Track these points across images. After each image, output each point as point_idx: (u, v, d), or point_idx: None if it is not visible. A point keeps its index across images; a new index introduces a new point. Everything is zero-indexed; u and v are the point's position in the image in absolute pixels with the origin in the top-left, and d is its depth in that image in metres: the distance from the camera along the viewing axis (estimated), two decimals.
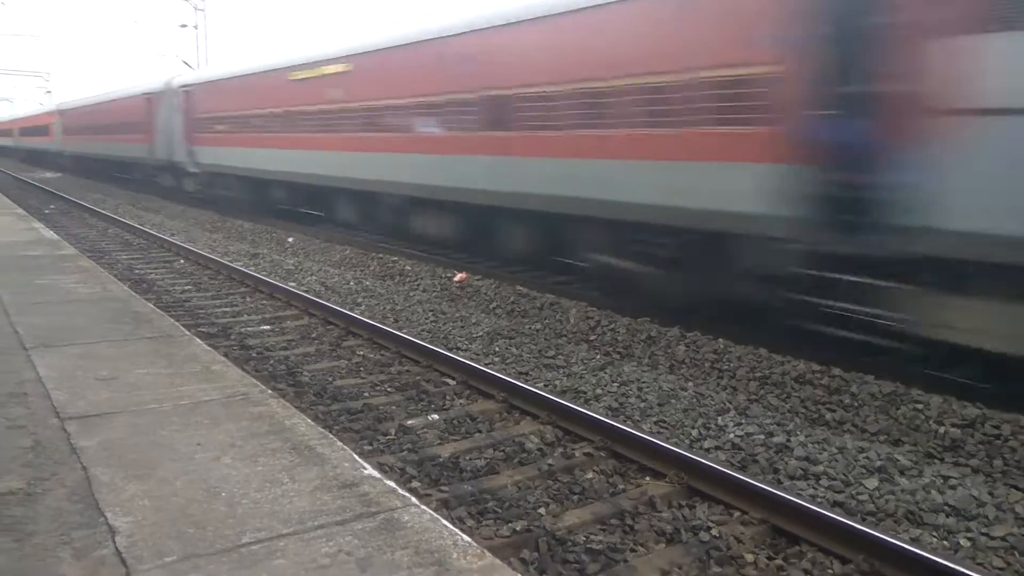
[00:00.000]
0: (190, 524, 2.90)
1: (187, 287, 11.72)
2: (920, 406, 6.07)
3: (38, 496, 3.11)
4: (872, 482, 4.90)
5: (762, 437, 5.65)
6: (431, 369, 7.33)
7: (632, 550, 4.21)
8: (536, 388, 6.44)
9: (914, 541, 4.19)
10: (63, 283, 7.97)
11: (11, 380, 4.62)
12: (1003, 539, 4.24)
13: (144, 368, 4.94)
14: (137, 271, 13.06)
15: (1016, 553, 4.14)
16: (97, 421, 3.97)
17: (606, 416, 5.83)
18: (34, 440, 3.69)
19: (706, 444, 5.62)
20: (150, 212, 22.60)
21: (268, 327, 9.16)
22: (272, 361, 7.66)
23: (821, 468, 5.13)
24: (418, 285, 11.52)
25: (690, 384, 6.97)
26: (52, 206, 24.30)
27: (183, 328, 6.29)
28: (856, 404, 6.30)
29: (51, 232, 12.95)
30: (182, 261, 14.17)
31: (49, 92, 72.46)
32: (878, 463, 5.14)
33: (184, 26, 39.18)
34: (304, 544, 2.76)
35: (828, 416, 6.16)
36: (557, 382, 7.04)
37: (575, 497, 4.83)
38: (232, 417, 4.06)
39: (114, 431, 3.83)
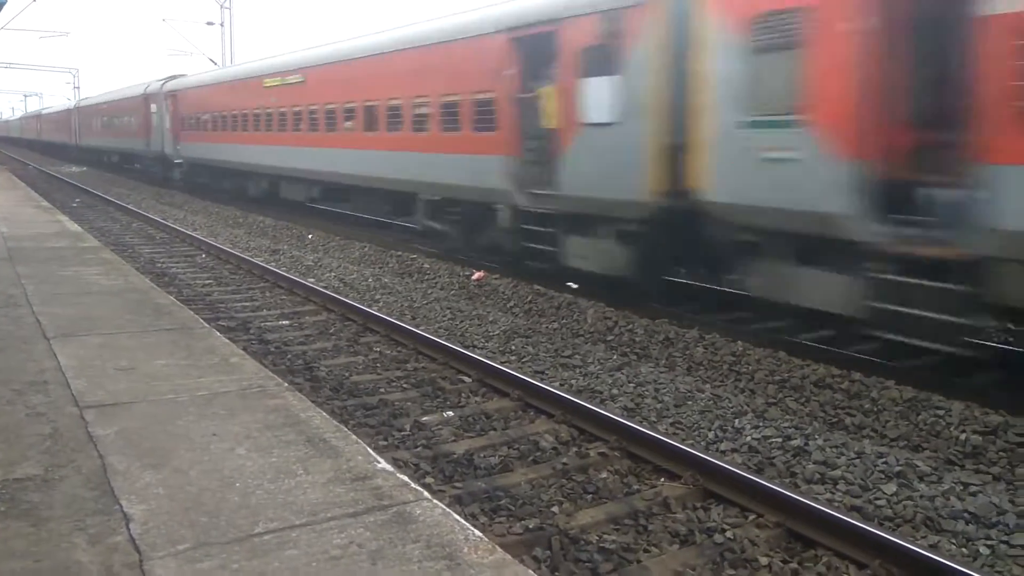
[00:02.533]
0: (203, 513, 2.91)
1: (208, 281, 11.82)
2: (941, 412, 5.99)
3: (55, 483, 3.15)
4: (890, 487, 4.84)
5: (780, 440, 5.59)
6: (447, 366, 7.33)
7: (645, 550, 4.18)
8: (552, 387, 6.42)
9: (932, 548, 4.12)
10: (85, 275, 8.06)
11: (32, 369, 4.68)
12: (1023, 548, 4.17)
13: (163, 359, 4.98)
14: (159, 264, 13.19)
15: None
16: (115, 410, 4.01)
17: (622, 416, 5.80)
18: (53, 428, 3.74)
19: (722, 446, 5.58)
20: (174, 207, 22.82)
21: (287, 322, 9.21)
22: (290, 355, 7.70)
23: (839, 472, 5.07)
24: (436, 283, 11.54)
25: (707, 386, 6.92)
26: (77, 200, 24.62)
27: (203, 321, 6.34)
28: (876, 409, 6.22)
29: (75, 225, 13.12)
30: (204, 255, 14.29)
31: (77, 88, 73.48)
32: (897, 468, 5.07)
33: (210, 23, 39.60)
34: (316, 535, 2.77)
35: (847, 420, 6.09)
36: (573, 381, 7.02)
37: (589, 496, 4.80)
38: (248, 409, 4.08)
39: (131, 420, 3.87)
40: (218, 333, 5.93)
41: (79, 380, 4.49)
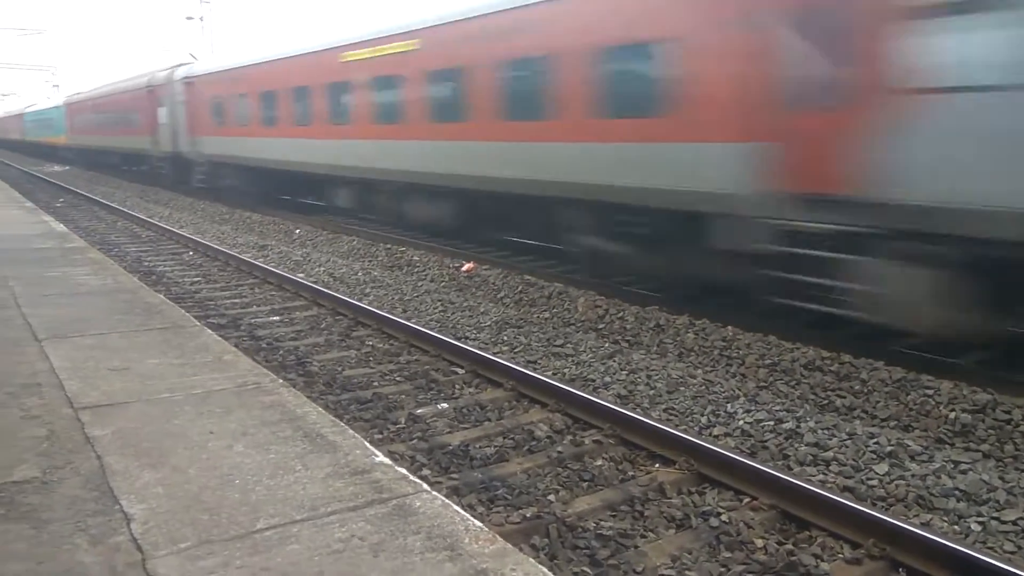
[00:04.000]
0: (204, 511, 2.92)
1: (196, 278, 11.77)
2: (930, 392, 6.06)
3: (54, 484, 3.15)
4: (882, 467, 4.90)
5: (772, 423, 5.65)
6: (440, 358, 7.35)
7: (642, 536, 4.22)
8: (545, 376, 6.45)
9: (925, 526, 4.19)
10: (73, 275, 8.01)
11: (25, 371, 4.66)
12: (1014, 523, 4.24)
13: (156, 358, 4.97)
14: (147, 263, 13.12)
15: None
16: (110, 411, 4.00)
17: (615, 404, 5.84)
18: (49, 430, 3.73)
19: (715, 431, 5.63)
20: (159, 205, 22.67)
21: (277, 318, 9.19)
22: (282, 351, 7.69)
23: (831, 454, 5.13)
24: (426, 275, 11.53)
25: (699, 372, 6.97)
26: (61, 200, 24.40)
27: (193, 319, 6.32)
28: (866, 390, 6.28)
29: (60, 225, 13.01)
30: (191, 253, 14.22)
31: (56, 86, 72.68)
32: (888, 448, 5.14)
33: (190, 18, 39.20)
34: (318, 530, 2.79)
35: (838, 402, 6.15)
36: (566, 370, 7.05)
37: (585, 484, 4.84)
38: (244, 406, 4.08)
39: (127, 420, 3.86)
40: (209, 331, 5.91)
41: (73, 381, 4.47)
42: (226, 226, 17.84)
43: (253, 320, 9.04)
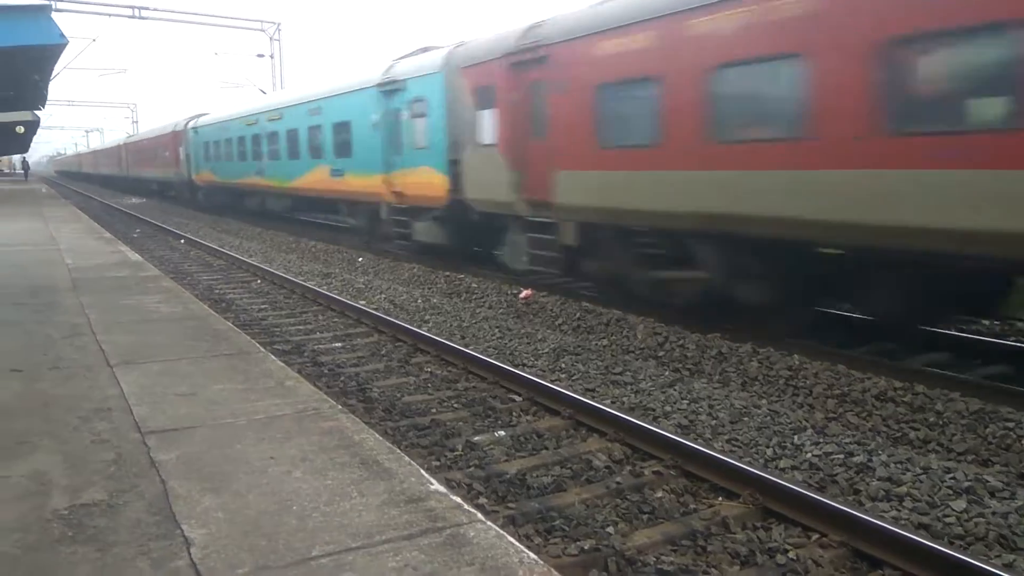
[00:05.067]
0: (262, 537, 2.95)
1: (263, 306, 12.07)
2: (1011, 424, 5.76)
3: (119, 508, 3.23)
4: (960, 504, 4.66)
5: (841, 457, 5.44)
6: (497, 385, 7.33)
7: (705, 572, 4.09)
8: (603, 405, 6.36)
9: (1007, 567, 3.95)
10: (146, 303, 8.30)
11: (96, 396, 4.83)
12: None
13: (221, 384, 5.09)
14: (217, 291, 13.52)
15: None
16: (176, 435, 4.10)
17: (676, 434, 5.72)
18: (116, 454, 3.84)
19: (782, 464, 5.45)
20: (229, 235, 23.41)
21: (339, 344, 9.34)
22: (343, 377, 7.79)
23: (905, 489, 4.90)
24: (484, 302, 11.58)
25: (764, 402, 6.78)
26: (138, 230, 25.43)
27: (259, 345, 6.46)
28: (941, 423, 6.01)
29: (136, 254, 13.54)
30: (259, 281, 14.61)
31: (136, 122, 76.31)
32: (966, 484, 4.88)
33: (260, 56, 40.69)
34: (372, 558, 2.78)
35: (912, 435, 5.89)
36: (625, 399, 6.94)
37: (645, 516, 4.73)
38: (304, 432, 4.14)
39: (192, 445, 3.95)
40: (274, 357, 6.03)
41: (141, 406, 4.61)
42: (292, 255, 18.30)
43: (316, 346, 9.21)
